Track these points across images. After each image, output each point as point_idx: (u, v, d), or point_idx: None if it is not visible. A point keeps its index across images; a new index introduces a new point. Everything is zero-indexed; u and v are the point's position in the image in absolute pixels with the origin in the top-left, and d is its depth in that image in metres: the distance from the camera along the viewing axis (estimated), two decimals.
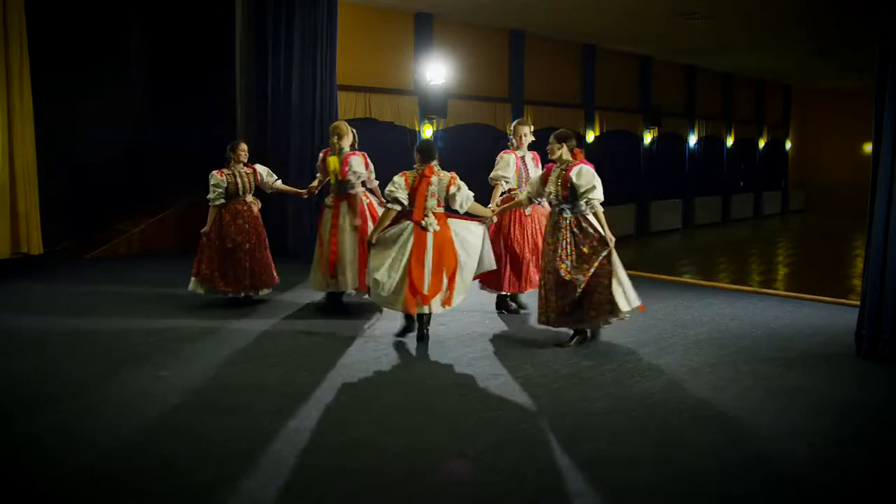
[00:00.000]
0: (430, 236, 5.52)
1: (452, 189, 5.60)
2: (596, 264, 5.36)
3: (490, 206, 6.16)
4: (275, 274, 6.93)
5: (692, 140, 20.94)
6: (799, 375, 5.03)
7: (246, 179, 6.72)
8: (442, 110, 12.72)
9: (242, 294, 6.78)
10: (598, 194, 5.46)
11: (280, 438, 3.89)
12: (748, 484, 3.47)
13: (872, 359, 5.31)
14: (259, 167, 6.88)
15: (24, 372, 4.95)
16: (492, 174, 6.38)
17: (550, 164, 5.66)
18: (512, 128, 6.57)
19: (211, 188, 6.63)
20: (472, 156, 13.83)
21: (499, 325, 6.26)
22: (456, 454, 3.73)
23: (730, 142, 22.72)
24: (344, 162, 6.39)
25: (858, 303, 5.57)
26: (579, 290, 5.34)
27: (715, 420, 4.22)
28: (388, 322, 6.30)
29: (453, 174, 5.68)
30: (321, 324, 6.28)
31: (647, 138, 18.97)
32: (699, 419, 4.23)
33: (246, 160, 6.76)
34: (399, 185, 5.56)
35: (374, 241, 5.61)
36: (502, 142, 14.99)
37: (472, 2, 12.01)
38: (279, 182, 7.02)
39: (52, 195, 9.05)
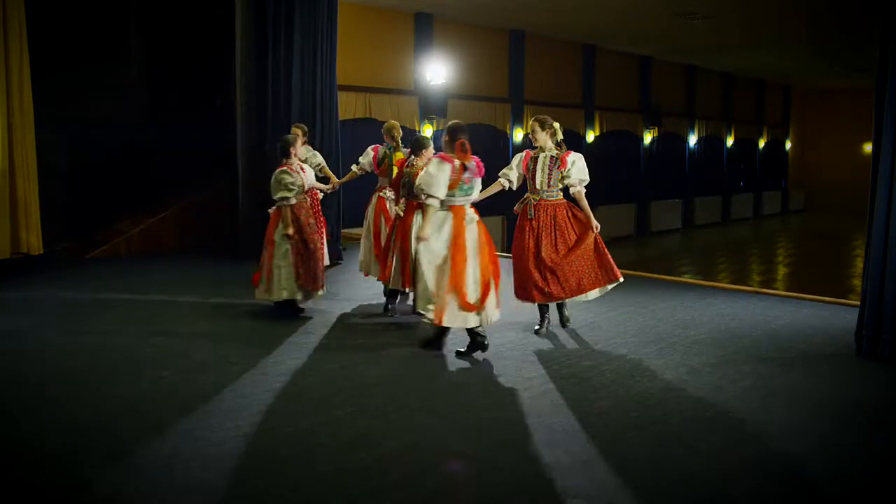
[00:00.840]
0: (396, 222, 6.19)
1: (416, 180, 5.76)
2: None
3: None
4: None
5: (692, 140, 20.94)
6: (799, 375, 5.03)
7: (303, 175, 6.49)
8: (442, 110, 12.74)
9: (316, 294, 6.49)
10: (427, 189, 5.17)
11: (280, 438, 3.89)
12: (748, 484, 3.47)
13: (872, 359, 5.31)
14: (304, 164, 6.81)
15: (24, 372, 4.95)
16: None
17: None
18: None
19: (286, 187, 6.21)
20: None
21: (499, 326, 6.25)
22: (456, 454, 3.73)
23: (730, 142, 22.73)
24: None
25: (858, 303, 5.57)
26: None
27: (715, 420, 4.22)
28: (388, 321, 6.33)
29: (420, 166, 5.91)
30: (320, 324, 6.28)
31: (647, 138, 18.98)
32: (699, 419, 4.23)
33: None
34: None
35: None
36: (502, 142, 15.05)
37: (472, 2, 12.02)
38: (313, 178, 7.04)
39: (52, 195, 9.04)
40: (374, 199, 7.01)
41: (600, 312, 6.65)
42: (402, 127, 7.33)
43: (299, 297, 6.34)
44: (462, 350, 5.37)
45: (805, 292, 7.71)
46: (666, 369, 5.09)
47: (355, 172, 7.27)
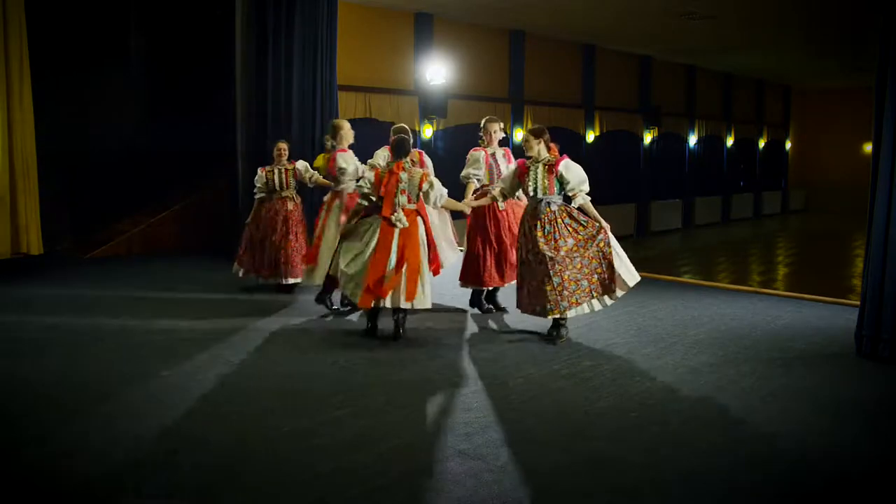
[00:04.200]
0: (396, 232, 5.60)
1: (425, 186, 5.71)
2: (593, 249, 5.55)
3: (464, 201, 6.25)
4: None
5: (692, 140, 20.94)
6: (799, 375, 5.03)
7: (284, 176, 7.24)
8: (442, 110, 12.73)
9: (272, 280, 7.27)
10: (587, 186, 5.69)
11: (280, 438, 3.89)
12: (748, 484, 3.47)
13: (872, 359, 5.31)
14: (299, 163, 7.31)
15: (24, 373, 4.94)
16: (462, 172, 6.48)
17: (522, 160, 5.82)
18: (482, 125, 6.61)
19: (254, 184, 7.38)
20: None
21: (499, 326, 6.26)
22: (456, 454, 3.73)
23: (730, 142, 22.72)
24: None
25: (858, 303, 5.57)
26: (565, 272, 5.49)
27: (715, 420, 4.22)
28: (386, 321, 6.32)
29: (426, 171, 5.84)
30: (320, 324, 6.28)
31: (647, 138, 18.97)
32: (699, 419, 4.23)
33: (285, 157, 7.30)
34: (369, 181, 5.73)
35: (344, 234, 5.87)
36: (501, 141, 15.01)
37: (472, 2, 12.02)
38: (317, 176, 7.23)
39: (52, 195, 9.05)
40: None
41: (600, 312, 6.63)
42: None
43: (240, 273, 7.35)
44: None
45: (805, 292, 7.71)
46: (666, 369, 5.09)
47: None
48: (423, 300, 5.63)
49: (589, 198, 5.68)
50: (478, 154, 6.48)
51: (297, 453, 3.72)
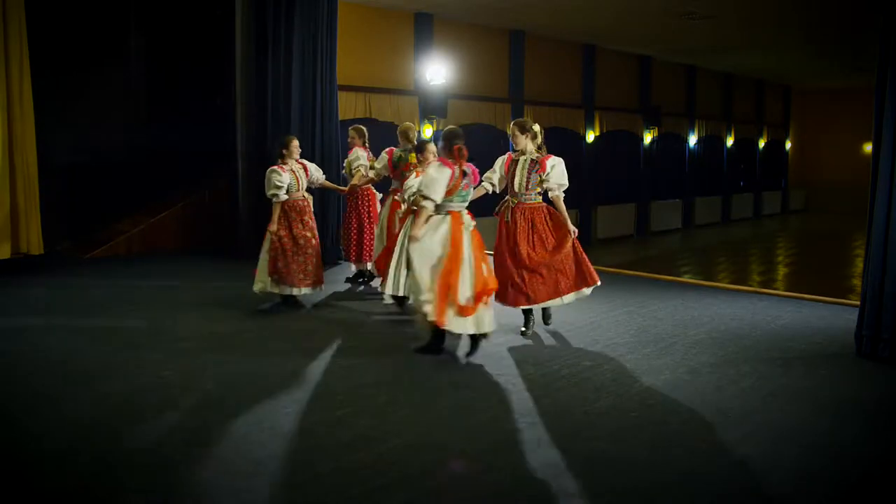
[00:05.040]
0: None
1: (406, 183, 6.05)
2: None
3: None
4: None
5: (692, 140, 20.94)
6: (799, 375, 5.03)
7: (303, 175, 6.65)
8: (442, 110, 12.73)
9: (313, 289, 6.66)
10: (425, 191, 5.09)
11: (280, 438, 3.89)
12: (748, 484, 3.47)
13: (872, 359, 5.31)
14: (308, 163, 6.87)
15: (24, 372, 4.95)
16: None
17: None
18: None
19: (274, 185, 6.39)
20: (472, 156, 13.84)
21: (498, 326, 6.24)
22: (456, 454, 3.73)
23: (730, 142, 22.73)
24: None
25: (858, 303, 5.57)
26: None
27: (715, 420, 4.22)
28: (386, 321, 6.33)
29: (419, 170, 6.01)
30: (321, 325, 6.28)
31: (647, 138, 18.98)
32: (699, 419, 4.23)
33: (298, 155, 6.67)
34: None
35: None
36: (502, 142, 15.04)
37: (472, 2, 12.02)
38: (324, 177, 7.14)
39: (52, 195, 9.04)
40: (388, 202, 7.03)
41: (600, 312, 6.65)
42: None
43: (276, 290, 6.51)
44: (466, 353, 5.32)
45: (805, 292, 7.71)
46: (666, 369, 5.09)
47: (372, 178, 7.33)
48: (392, 287, 5.74)
49: (422, 202, 5.12)
50: (500, 158, 6.09)
51: (297, 453, 3.72)
